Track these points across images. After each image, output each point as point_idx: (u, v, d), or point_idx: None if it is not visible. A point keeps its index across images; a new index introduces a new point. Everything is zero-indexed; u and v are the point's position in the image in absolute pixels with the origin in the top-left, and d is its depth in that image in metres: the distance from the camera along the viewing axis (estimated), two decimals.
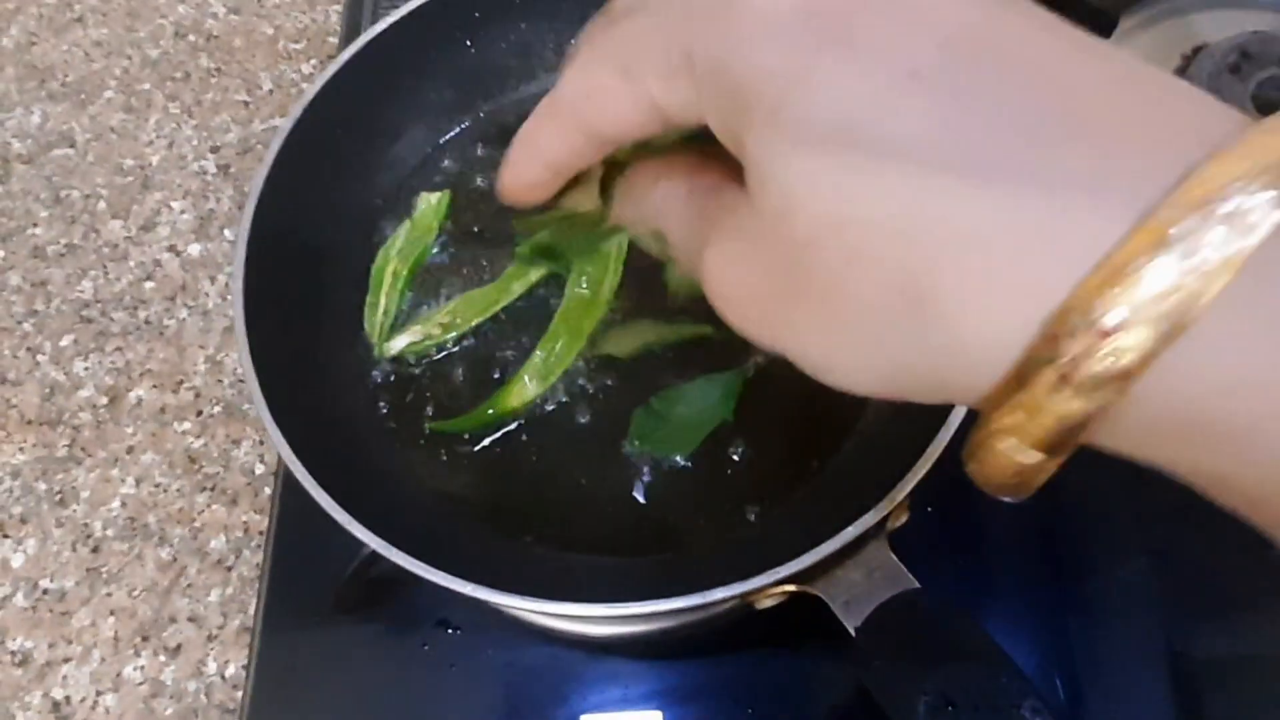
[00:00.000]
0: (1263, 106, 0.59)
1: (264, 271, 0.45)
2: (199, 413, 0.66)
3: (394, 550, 0.37)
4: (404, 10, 0.52)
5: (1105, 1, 0.64)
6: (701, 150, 0.26)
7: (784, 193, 0.21)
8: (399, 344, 0.53)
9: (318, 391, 0.47)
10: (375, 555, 0.39)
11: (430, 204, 0.58)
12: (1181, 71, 0.63)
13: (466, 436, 0.50)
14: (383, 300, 0.54)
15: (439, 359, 0.53)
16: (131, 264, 0.71)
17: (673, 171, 0.27)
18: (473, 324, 0.54)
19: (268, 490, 0.62)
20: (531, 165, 0.28)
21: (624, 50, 0.24)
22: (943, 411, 0.40)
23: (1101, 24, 0.63)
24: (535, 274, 0.55)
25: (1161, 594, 0.51)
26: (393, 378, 0.52)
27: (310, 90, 0.49)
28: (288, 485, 0.58)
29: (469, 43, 0.56)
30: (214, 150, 0.76)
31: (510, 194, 0.29)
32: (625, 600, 0.38)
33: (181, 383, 0.67)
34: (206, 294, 0.70)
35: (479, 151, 0.59)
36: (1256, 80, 0.59)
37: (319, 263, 0.51)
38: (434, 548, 0.39)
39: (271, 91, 0.79)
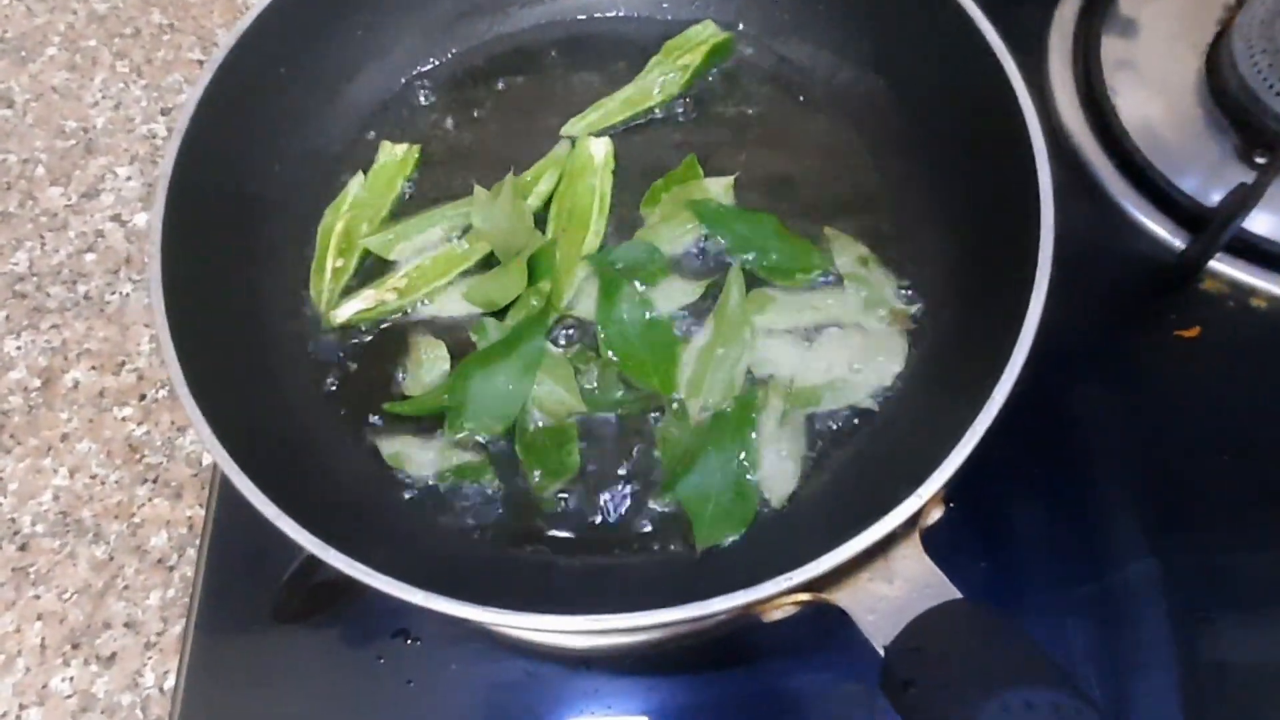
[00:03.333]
0: None
1: (190, 225, 0.39)
2: (142, 397, 0.60)
3: (334, 553, 0.31)
4: None
5: None
6: None
7: None
8: (346, 311, 0.47)
9: (254, 367, 0.41)
10: (315, 558, 0.33)
11: (393, 156, 0.52)
12: (1227, 24, 0.57)
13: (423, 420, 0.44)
14: (330, 262, 0.48)
15: (393, 329, 0.47)
16: (71, 234, 0.65)
17: None
18: (430, 288, 0.48)
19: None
20: None
21: None
22: (983, 390, 0.34)
23: None
24: None
25: (1185, 590, 0.46)
26: (340, 354, 0.46)
27: (247, 18, 0.43)
28: (226, 478, 0.52)
29: None
30: (164, 112, 0.70)
31: None
32: (607, 611, 0.32)
33: (123, 364, 0.61)
34: None
35: (448, 96, 0.53)
36: None
37: (261, 216, 0.45)
38: (386, 549, 0.34)
39: None
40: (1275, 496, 0.47)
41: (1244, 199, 0.49)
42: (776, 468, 0.42)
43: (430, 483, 0.44)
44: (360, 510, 0.40)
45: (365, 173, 0.52)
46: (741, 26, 0.57)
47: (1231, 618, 0.46)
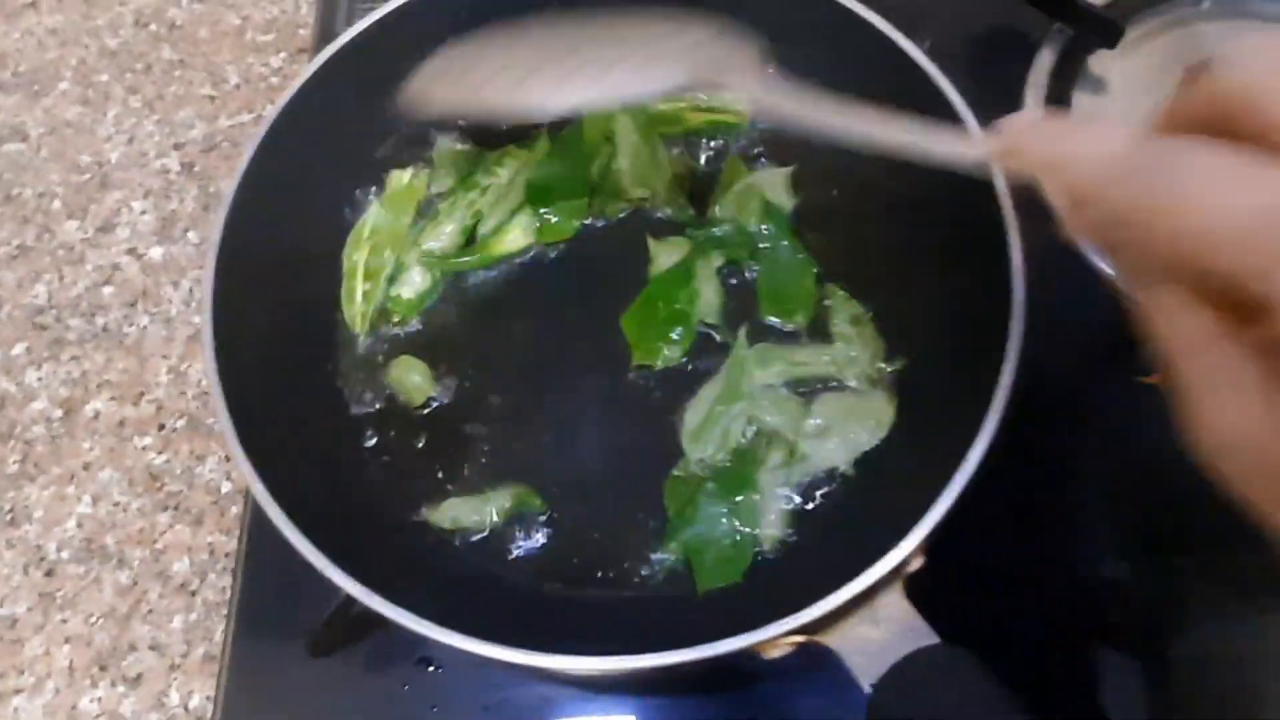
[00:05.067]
0: None
1: (235, 283, 0.41)
2: (161, 427, 0.62)
3: (381, 600, 0.35)
4: (387, 8, 0.49)
5: (1113, 11, 0.62)
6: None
7: None
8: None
9: (294, 415, 0.43)
10: (353, 597, 0.37)
11: (402, 182, 0.55)
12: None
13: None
14: (359, 287, 0.52)
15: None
16: (89, 267, 0.68)
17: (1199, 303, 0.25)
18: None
19: (234, 509, 0.59)
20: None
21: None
22: (961, 446, 0.38)
23: (1109, 34, 0.61)
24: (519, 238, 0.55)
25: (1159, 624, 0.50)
26: (379, 405, 0.50)
27: (291, 88, 0.46)
28: (257, 505, 0.55)
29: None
30: (177, 147, 0.72)
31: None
32: (624, 653, 0.35)
33: (142, 394, 0.63)
34: (169, 300, 0.66)
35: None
36: None
37: (297, 273, 0.48)
38: (422, 590, 0.37)
39: (238, 86, 0.75)
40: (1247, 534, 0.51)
41: None
42: (771, 517, 0.46)
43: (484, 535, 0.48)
44: (398, 552, 0.43)
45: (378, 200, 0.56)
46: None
47: (1203, 660, 0.50)
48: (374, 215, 0.55)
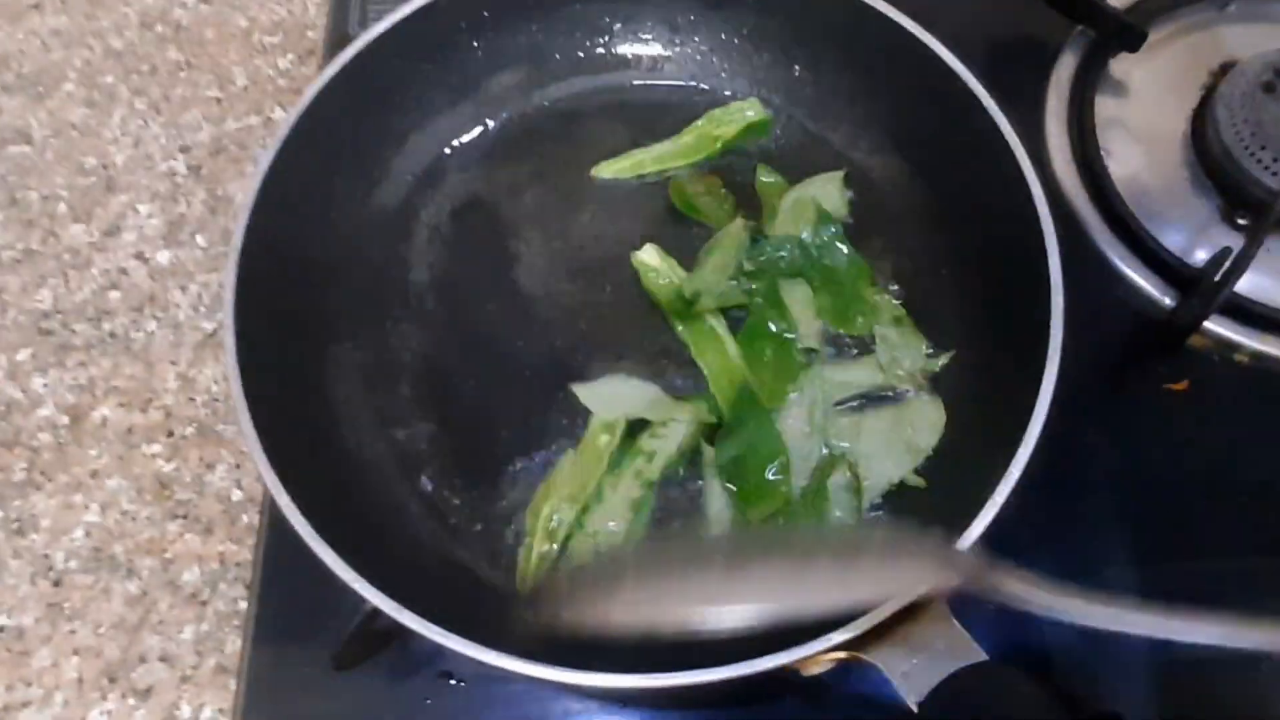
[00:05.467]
0: None
1: (256, 293, 0.41)
2: (170, 434, 0.61)
3: (411, 615, 0.34)
4: (407, 9, 0.48)
5: (1135, 15, 0.62)
6: None
7: None
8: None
9: (320, 429, 0.43)
10: (377, 610, 0.36)
11: (604, 426, 0.51)
12: (1211, 89, 0.61)
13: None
14: (536, 548, 0.48)
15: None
16: (95, 271, 0.66)
17: None
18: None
19: (245, 518, 0.58)
20: None
21: None
22: (1004, 457, 0.38)
23: (1130, 37, 0.61)
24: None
25: None
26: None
27: (310, 91, 0.45)
28: (275, 515, 0.54)
29: (476, 44, 0.53)
30: (184, 150, 0.71)
31: None
32: (657, 670, 0.34)
33: (150, 401, 0.62)
34: (177, 305, 0.65)
35: (488, 167, 0.55)
36: None
37: (320, 281, 0.47)
38: (446, 603, 0.36)
39: (246, 88, 0.74)
40: (1267, 540, 0.51)
41: (1227, 261, 0.53)
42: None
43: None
44: (422, 565, 0.42)
45: (574, 449, 0.52)
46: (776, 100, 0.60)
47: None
48: (568, 462, 0.51)
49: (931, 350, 0.51)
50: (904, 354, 0.50)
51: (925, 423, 0.48)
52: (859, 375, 0.50)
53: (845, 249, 0.53)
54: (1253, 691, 0.48)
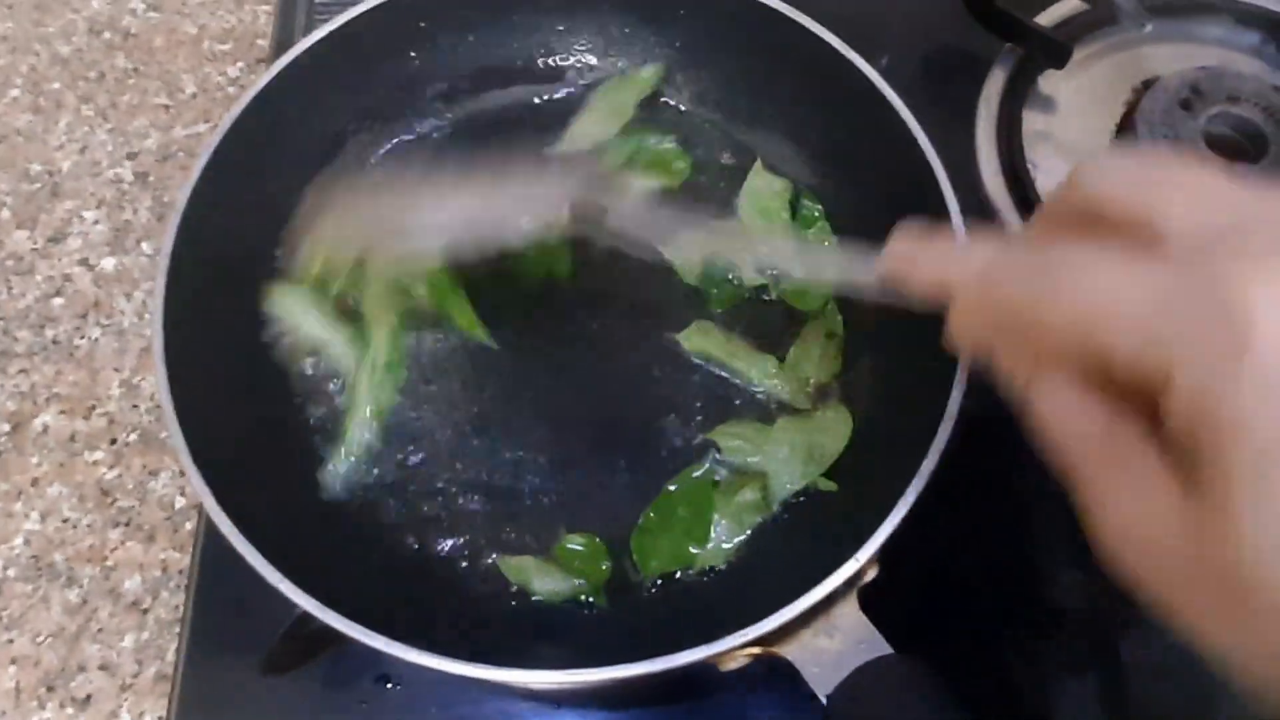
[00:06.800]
0: (1213, 143, 0.59)
1: (188, 294, 0.41)
2: (112, 441, 0.61)
3: (336, 616, 0.34)
4: (345, 16, 0.49)
5: (1061, 33, 0.64)
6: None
7: (1259, 534, 0.21)
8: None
9: (248, 428, 0.43)
10: (309, 614, 0.36)
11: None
12: (1133, 105, 0.63)
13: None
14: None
15: None
16: (38, 278, 0.66)
17: (1091, 392, 0.26)
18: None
19: (188, 525, 0.58)
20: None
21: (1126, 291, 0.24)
22: (913, 460, 0.39)
23: (1057, 55, 0.63)
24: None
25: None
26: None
27: (246, 96, 0.46)
28: (211, 520, 0.54)
29: (413, 54, 0.53)
30: (130, 157, 0.71)
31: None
32: (580, 665, 0.35)
33: (93, 408, 0.62)
34: (122, 312, 0.65)
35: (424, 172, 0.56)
36: (1207, 116, 0.59)
37: (255, 285, 0.48)
38: (379, 605, 0.37)
39: (195, 95, 0.74)
40: None
41: None
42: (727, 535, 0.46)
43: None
44: (354, 567, 0.43)
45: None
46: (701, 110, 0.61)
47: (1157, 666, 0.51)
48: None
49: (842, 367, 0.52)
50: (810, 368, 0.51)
51: (830, 433, 0.49)
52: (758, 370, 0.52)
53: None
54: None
